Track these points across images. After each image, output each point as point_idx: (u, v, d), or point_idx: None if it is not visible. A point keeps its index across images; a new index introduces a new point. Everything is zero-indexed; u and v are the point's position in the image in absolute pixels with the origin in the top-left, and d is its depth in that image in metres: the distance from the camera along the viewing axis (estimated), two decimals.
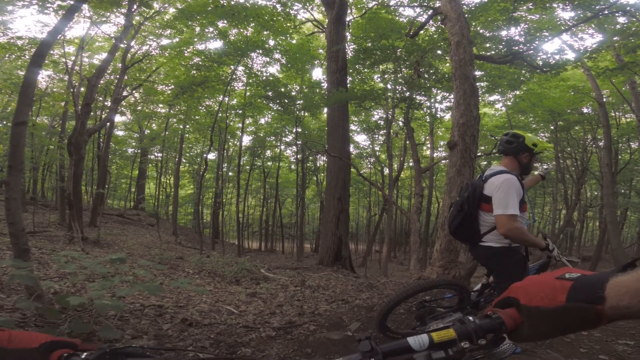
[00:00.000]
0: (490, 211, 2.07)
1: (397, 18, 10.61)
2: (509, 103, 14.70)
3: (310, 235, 26.28)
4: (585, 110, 15.06)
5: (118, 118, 19.03)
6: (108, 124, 15.22)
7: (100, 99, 16.41)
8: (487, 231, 2.17)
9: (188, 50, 12.41)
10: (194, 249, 11.64)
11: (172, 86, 14.08)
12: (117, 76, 12.39)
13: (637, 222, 17.67)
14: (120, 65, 11.70)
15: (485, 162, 19.07)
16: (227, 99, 14.41)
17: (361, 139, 25.59)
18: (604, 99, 12.60)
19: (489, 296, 2.57)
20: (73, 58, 11.84)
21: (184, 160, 21.29)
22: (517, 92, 12.62)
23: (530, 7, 7.75)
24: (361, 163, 22.70)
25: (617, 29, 7.15)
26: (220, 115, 14.86)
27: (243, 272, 4.87)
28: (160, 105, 17.29)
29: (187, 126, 17.65)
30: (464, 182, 4.99)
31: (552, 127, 15.56)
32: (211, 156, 21.61)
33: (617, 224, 13.14)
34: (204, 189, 20.43)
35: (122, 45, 11.39)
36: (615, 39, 7.73)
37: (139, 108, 17.72)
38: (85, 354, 0.58)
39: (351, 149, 20.72)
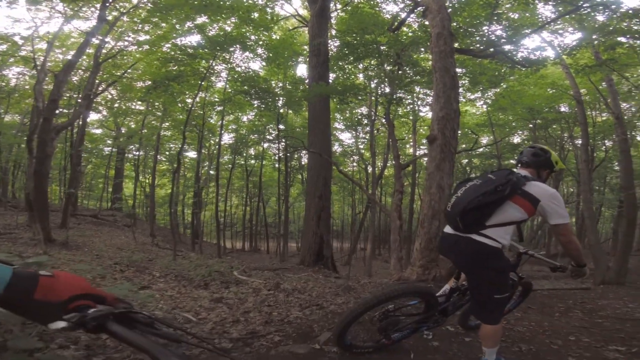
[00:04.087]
0: (521, 205, 1.94)
1: (380, 13, 10.48)
2: (489, 101, 14.80)
3: (296, 235, 26.03)
4: (562, 109, 15.36)
5: (95, 116, 18.32)
6: (80, 121, 14.59)
7: (75, 95, 15.71)
8: (493, 224, 1.96)
9: (166, 45, 11.97)
10: (170, 250, 11.20)
11: (149, 82, 13.57)
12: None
13: (611, 217, 18.13)
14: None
15: (466, 160, 19.25)
16: (205, 94, 13.98)
17: (346, 137, 25.48)
18: (582, 97, 12.82)
19: (458, 301, 2.39)
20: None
21: (164, 159, 20.66)
22: (498, 90, 12.67)
23: (513, 0, 7.69)
24: (345, 161, 22.56)
25: (597, 26, 7.14)
26: (200, 112, 14.44)
27: (213, 275, 4.58)
28: (139, 103, 16.69)
29: (166, 124, 17.11)
30: (443, 177, 4.84)
31: (530, 125, 15.78)
32: (193, 154, 21.09)
33: (595, 219, 13.38)
34: (186, 189, 19.88)
35: (95, 41, 10.92)
36: (594, 37, 7.75)
37: (116, 105, 17.07)
38: (93, 309, 0.60)
39: (335, 147, 20.66)
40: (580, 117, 12.62)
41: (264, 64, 14.60)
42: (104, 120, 19.40)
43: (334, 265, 9.68)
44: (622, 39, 7.15)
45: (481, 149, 17.42)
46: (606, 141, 16.28)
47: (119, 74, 13.69)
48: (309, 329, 2.88)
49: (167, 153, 19.27)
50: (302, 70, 22.17)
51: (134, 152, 19.89)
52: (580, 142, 15.40)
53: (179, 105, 13.69)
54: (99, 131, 20.29)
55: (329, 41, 11.03)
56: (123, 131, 18.36)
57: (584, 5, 6.32)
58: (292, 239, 23.54)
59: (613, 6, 6.20)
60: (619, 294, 6.33)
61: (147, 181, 19.92)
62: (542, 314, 4.09)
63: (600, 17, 7.03)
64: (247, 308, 3.42)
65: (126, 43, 12.91)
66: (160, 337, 0.64)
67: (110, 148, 19.43)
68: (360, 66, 10.94)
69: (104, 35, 10.97)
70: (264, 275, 5.70)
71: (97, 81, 13.82)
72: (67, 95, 15.43)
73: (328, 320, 3.11)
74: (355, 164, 23.32)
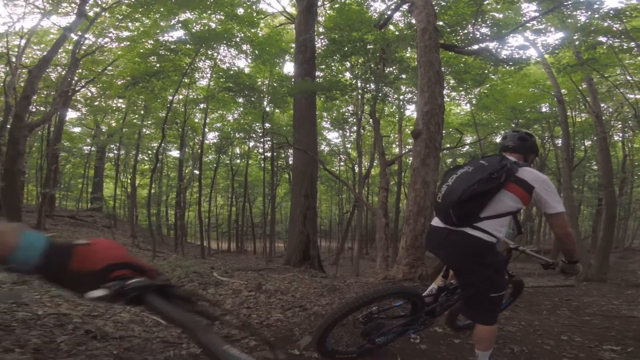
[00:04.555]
0: (517, 194, 1.80)
1: (367, 11, 10.44)
2: (474, 101, 14.95)
3: (284, 235, 25.71)
4: (543, 109, 15.67)
5: (74, 114, 17.68)
6: (57, 119, 14.04)
7: (53, 93, 15.11)
8: (488, 216, 1.80)
9: (149, 42, 11.61)
10: (152, 251, 10.86)
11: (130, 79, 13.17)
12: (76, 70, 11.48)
13: (590, 215, 18.58)
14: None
15: (450, 159, 19.43)
16: (188, 92, 13.64)
17: (333, 136, 25.38)
18: (563, 97, 13.09)
19: (446, 301, 2.24)
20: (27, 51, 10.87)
21: (146, 158, 20.11)
22: (481, 89, 12.78)
23: None
24: (333, 160, 22.45)
25: (579, 25, 7.22)
26: (182, 110, 14.06)
27: (191, 276, 4.36)
28: (120, 100, 16.20)
29: (149, 122, 16.63)
30: (428, 173, 4.74)
31: (513, 125, 16.04)
32: (176, 153, 20.59)
33: (576, 217, 13.64)
34: (169, 188, 19.41)
35: (74, 37, 10.53)
36: (575, 37, 7.85)
37: (96, 103, 16.50)
38: (133, 280, 0.59)
39: (323, 147, 20.52)
40: (561, 117, 12.91)
41: (249, 61, 14.37)
42: (83, 119, 18.75)
43: (321, 265, 9.52)
44: (603, 39, 7.25)
45: (465, 148, 17.60)
46: (585, 141, 16.67)
47: (99, 70, 13.23)
48: (289, 333, 2.70)
49: (150, 152, 18.77)
50: (289, 68, 21.99)
51: (115, 151, 19.31)
52: (560, 141, 15.82)
53: (160, 102, 13.30)
54: (77, 129, 19.63)
55: (316, 38, 10.90)
56: (103, 130, 17.79)
57: (567, 3, 6.36)
58: (279, 239, 23.26)
59: (595, 5, 6.25)
60: (602, 290, 6.40)
61: (128, 181, 19.35)
62: (530, 312, 4.04)
63: (582, 17, 7.11)
64: (224, 310, 3.22)
65: (107, 39, 12.52)
66: (198, 314, 0.62)
67: (89, 147, 18.79)
68: (347, 64, 10.86)
69: (83, 31, 10.61)
70: (246, 276, 5.49)
71: (76, 78, 13.36)
72: (45, 92, 14.86)
73: (311, 323, 2.95)
74: (342, 163, 23.26)
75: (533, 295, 5.35)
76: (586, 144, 16.82)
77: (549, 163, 17.15)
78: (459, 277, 2.06)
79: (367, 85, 10.20)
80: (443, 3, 8.32)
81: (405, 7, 7.38)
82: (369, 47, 8.68)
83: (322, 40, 11.05)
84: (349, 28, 8.47)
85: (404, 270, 4.76)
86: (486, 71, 9.93)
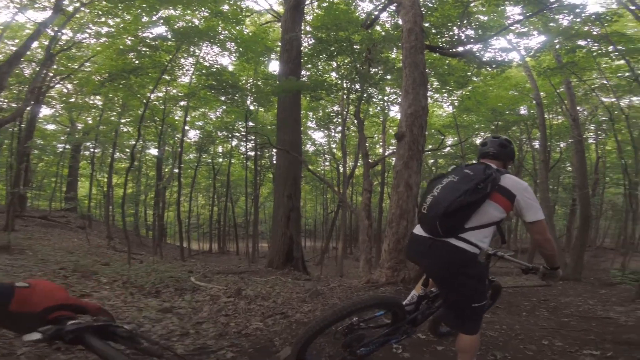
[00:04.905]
0: (500, 203, 1.77)
1: (355, 11, 10.41)
2: (456, 103, 15.17)
3: (267, 234, 25.42)
4: (522, 111, 16.10)
5: (48, 111, 16.90)
6: (29, 116, 13.39)
7: (26, 88, 14.38)
8: (472, 227, 1.76)
9: (129, 38, 11.20)
10: (127, 253, 10.47)
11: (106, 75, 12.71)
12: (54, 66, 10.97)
13: (564, 215, 19.20)
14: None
15: (432, 160, 19.71)
16: (167, 89, 13.26)
17: (318, 136, 25.33)
18: (541, 100, 13.47)
19: (427, 309, 2.20)
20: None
21: (124, 157, 19.47)
22: (463, 91, 12.98)
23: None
24: (318, 160, 22.37)
25: (561, 29, 7.38)
26: (162, 107, 13.65)
27: (166, 281, 4.17)
28: (98, 98, 15.62)
29: (127, 119, 16.09)
30: (411, 175, 4.71)
31: (492, 127, 16.39)
32: (155, 152, 20.01)
33: (552, 217, 14.06)
34: (148, 188, 18.84)
35: (50, 32, 10.04)
36: (556, 41, 8.04)
37: (72, 100, 15.84)
38: (72, 321, 0.59)
39: (308, 147, 20.40)
40: (539, 119, 13.32)
41: (233, 59, 14.09)
42: (57, 116, 17.96)
43: (305, 266, 9.41)
44: (582, 42, 7.44)
45: (447, 149, 17.87)
46: (561, 143, 17.24)
47: (75, 67, 12.70)
48: (268, 343, 2.59)
49: (128, 150, 18.16)
50: (274, 67, 21.75)
51: (91, 149, 18.61)
52: (537, 143, 16.31)
53: (139, 99, 12.86)
54: (52, 127, 18.78)
55: (303, 37, 10.78)
56: (79, 127, 17.11)
57: (552, 7, 6.48)
58: (263, 239, 23.00)
59: (577, 9, 6.40)
60: (577, 290, 6.56)
61: (104, 180, 18.69)
62: (510, 313, 4.06)
63: (565, 21, 7.27)
64: (201, 318, 3.08)
65: (85, 35, 12.03)
66: (141, 352, 0.62)
67: (64, 145, 18.01)
68: (334, 64, 10.78)
69: (60, 26, 10.15)
70: (226, 280, 5.32)
71: (51, 74, 12.79)
72: (19, 88, 14.16)
73: (292, 332, 2.85)
74: (327, 163, 23.21)
75: (512, 296, 5.41)
76: (561, 145, 17.41)
77: (526, 164, 17.63)
78: (441, 288, 2.02)
79: (353, 86, 10.16)
80: (430, 4, 8.37)
81: (392, 7, 7.39)
82: (355, 47, 8.64)
83: (309, 40, 10.95)
84: (336, 27, 8.40)
85: (386, 274, 4.72)
86: (469, 73, 10.06)
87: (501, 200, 1.78)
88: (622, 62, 9.58)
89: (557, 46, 8.00)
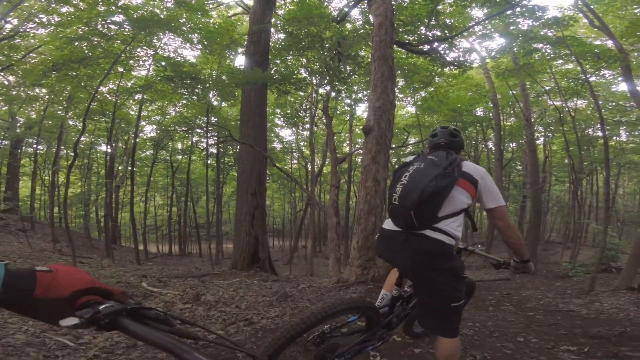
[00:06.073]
0: (467, 189, 1.70)
1: (327, 8, 10.26)
2: (419, 103, 15.54)
3: (232, 235, 24.62)
4: (478, 112, 16.90)
5: None
6: None
7: None
8: (445, 215, 1.65)
9: (81, 27, 10.17)
10: (78, 257, 9.58)
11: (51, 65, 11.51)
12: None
13: (515, 211, 20.37)
14: None
15: (395, 159, 20.14)
16: (121, 81, 12.31)
17: (286, 133, 24.92)
18: (498, 101, 14.17)
19: (402, 311, 2.06)
20: None
21: (71, 153, 17.90)
22: (427, 92, 13.28)
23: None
24: (286, 158, 22.00)
25: (520, 32, 7.68)
26: (113, 100, 12.64)
27: (114, 287, 3.73)
28: (44, 91, 14.18)
29: (73, 113, 14.75)
30: (379, 170, 4.60)
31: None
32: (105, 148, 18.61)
33: None
34: (99, 187, 17.46)
35: None
36: (515, 43, 8.39)
37: (14, 92, 14.25)
38: (104, 305, 0.58)
39: (275, 144, 19.96)
40: (495, 119, 14.02)
41: (197, 51, 13.39)
42: None
43: (273, 267, 9.09)
44: (539, 46, 7.81)
45: (409, 148, 18.33)
46: (512, 143, 18.32)
47: (18, 57, 11.38)
48: (231, 355, 2.32)
49: (80, 147, 16.68)
50: (241, 61, 21.04)
51: (34, 146, 16.90)
52: (492, 143, 17.16)
53: (88, 91, 11.81)
54: None
55: (273, 30, 10.41)
56: (21, 121, 15.44)
57: (516, 10, 6.70)
58: (228, 240, 22.24)
59: (538, 13, 6.66)
60: (535, 283, 6.84)
61: (49, 178, 17.07)
62: (477, 308, 4.08)
63: (525, 25, 7.57)
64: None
65: (32, 25, 10.77)
66: (175, 334, 0.58)
67: (0, 140, 16.18)
68: (304, 60, 10.53)
69: (3, 14, 9.01)
70: (184, 285, 4.91)
71: None
72: None
73: (257, 341, 2.59)
74: (295, 161, 22.91)
75: (477, 290, 5.51)
76: (512, 145, 18.51)
77: (482, 163, 18.52)
78: (417, 286, 1.85)
79: (322, 81, 9.99)
80: (400, 2, 8.41)
81: (364, 6, 7.31)
82: (326, 45, 8.49)
83: (279, 35, 10.60)
84: (307, 22, 8.16)
85: (356, 272, 4.58)
86: (433, 73, 10.27)
87: (466, 185, 1.70)
88: (571, 66, 10.27)
89: (516, 49, 8.35)
